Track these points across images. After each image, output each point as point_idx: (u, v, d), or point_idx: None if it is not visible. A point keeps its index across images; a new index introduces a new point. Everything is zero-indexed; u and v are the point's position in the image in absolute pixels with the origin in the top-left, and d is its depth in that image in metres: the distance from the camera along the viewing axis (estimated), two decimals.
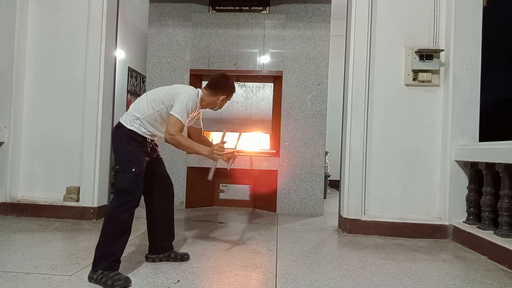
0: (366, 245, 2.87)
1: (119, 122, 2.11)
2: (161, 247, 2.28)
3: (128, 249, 2.32)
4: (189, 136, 2.41)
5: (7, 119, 3.49)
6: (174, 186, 2.38)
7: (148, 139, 2.12)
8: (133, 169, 1.97)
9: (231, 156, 2.26)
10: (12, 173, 3.53)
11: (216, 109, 2.38)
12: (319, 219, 3.88)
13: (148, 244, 2.30)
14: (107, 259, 1.89)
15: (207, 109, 2.38)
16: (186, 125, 2.14)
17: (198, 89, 2.25)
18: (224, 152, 2.15)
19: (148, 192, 2.20)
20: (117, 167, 2.00)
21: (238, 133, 2.55)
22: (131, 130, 2.05)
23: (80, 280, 1.93)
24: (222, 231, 3.18)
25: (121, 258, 1.96)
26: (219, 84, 2.30)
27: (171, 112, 2.03)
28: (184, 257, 2.29)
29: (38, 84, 3.62)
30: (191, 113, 2.11)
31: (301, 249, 2.70)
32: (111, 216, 1.95)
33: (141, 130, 2.06)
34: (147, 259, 2.27)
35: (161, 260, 2.26)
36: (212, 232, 3.12)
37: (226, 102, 2.37)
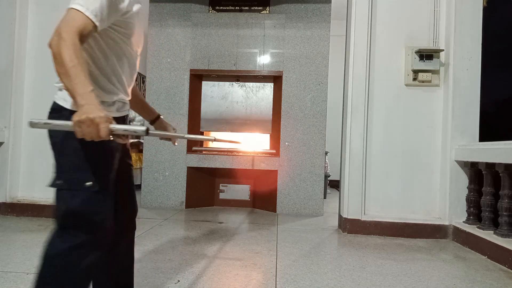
0: (366, 245, 2.87)
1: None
2: None
3: None
4: None
5: (7, 119, 3.49)
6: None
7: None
8: (87, 183, 1.12)
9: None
10: (12, 173, 3.53)
11: None
12: (319, 219, 3.88)
13: None
14: None
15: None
16: (131, 45, 1.30)
17: None
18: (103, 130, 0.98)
19: None
20: (58, 181, 1.14)
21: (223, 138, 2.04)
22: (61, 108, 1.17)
23: None
24: (222, 231, 3.18)
25: None
26: None
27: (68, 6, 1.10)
28: None
29: (38, 84, 3.61)
30: (120, 4, 1.17)
31: (301, 249, 2.70)
32: (56, 266, 1.10)
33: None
34: None
35: None
36: (212, 232, 3.12)
37: None
